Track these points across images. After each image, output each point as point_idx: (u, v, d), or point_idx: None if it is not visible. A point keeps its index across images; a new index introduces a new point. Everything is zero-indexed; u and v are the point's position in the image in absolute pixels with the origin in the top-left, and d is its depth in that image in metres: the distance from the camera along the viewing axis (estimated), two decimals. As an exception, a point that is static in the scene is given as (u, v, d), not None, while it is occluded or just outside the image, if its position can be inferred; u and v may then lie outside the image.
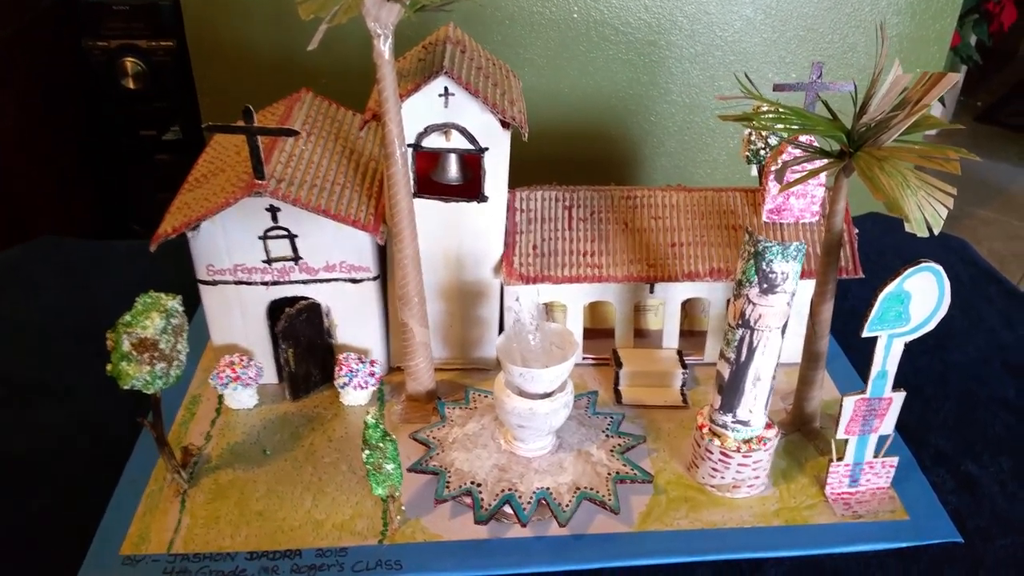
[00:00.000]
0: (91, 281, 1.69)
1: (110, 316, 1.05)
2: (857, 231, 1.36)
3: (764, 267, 1.04)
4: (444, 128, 1.22)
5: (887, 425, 1.16)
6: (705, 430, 1.18)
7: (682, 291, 1.37)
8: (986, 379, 1.45)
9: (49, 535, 1.14)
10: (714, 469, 1.18)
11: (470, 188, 1.29)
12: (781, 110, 1.11)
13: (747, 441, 1.16)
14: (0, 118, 2.39)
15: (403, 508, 1.15)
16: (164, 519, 1.15)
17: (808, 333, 1.23)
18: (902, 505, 1.18)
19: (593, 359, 1.45)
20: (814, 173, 1.09)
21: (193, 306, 1.36)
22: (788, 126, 1.11)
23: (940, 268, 1.05)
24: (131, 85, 2.59)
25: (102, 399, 1.29)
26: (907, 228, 0.98)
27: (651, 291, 1.37)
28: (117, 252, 1.79)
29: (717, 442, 1.16)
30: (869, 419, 1.14)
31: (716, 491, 1.20)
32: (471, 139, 1.23)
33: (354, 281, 1.30)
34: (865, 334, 1.08)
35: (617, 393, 1.37)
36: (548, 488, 1.14)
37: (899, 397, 1.14)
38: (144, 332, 1.03)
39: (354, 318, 1.34)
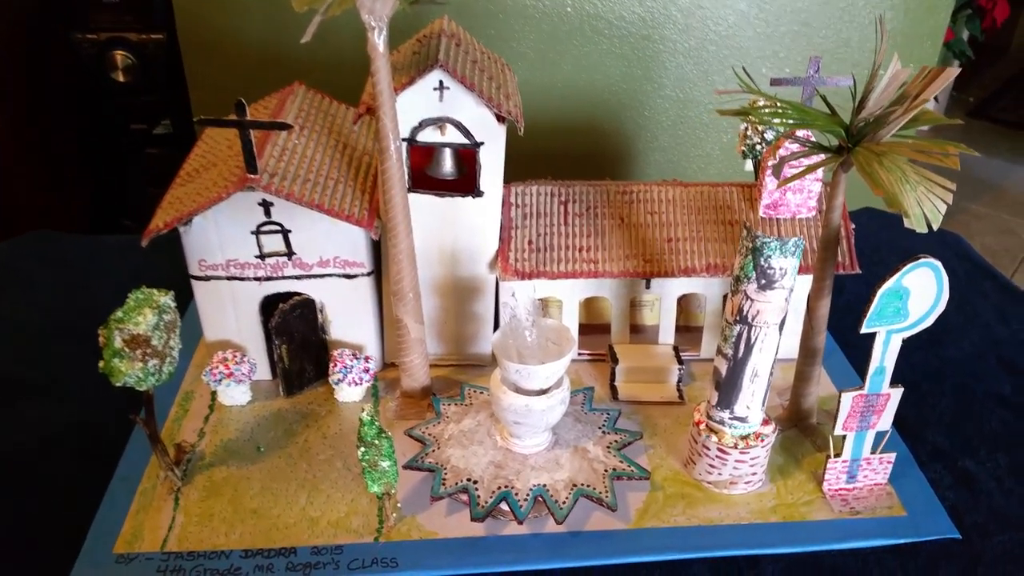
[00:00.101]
0: (82, 277, 1.67)
1: (102, 312, 1.04)
2: (854, 226, 1.35)
3: (762, 263, 1.03)
4: (439, 122, 1.21)
5: (885, 421, 1.15)
6: (702, 426, 1.18)
7: (678, 286, 1.37)
8: (982, 375, 1.45)
9: (41, 534, 1.13)
10: (711, 466, 1.18)
11: (465, 183, 1.28)
12: (779, 105, 1.10)
13: (744, 437, 1.16)
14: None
15: (399, 505, 1.14)
16: (158, 517, 1.14)
17: (805, 329, 1.23)
18: (899, 501, 1.18)
19: (589, 355, 1.44)
20: (812, 168, 1.08)
21: (186, 301, 1.35)
22: (786, 121, 1.11)
23: (939, 264, 1.05)
24: (121, 78, 2.57)
25: (94, 396, 1.27)
26: (906, 224, 0.98)
27: (647, 286, 1.37)
28: (108, 247, 1.77)
29: (714, 438, 1.16)
30: (867, 415, 1.14)
31: (713, 487, 1.19)
32: (466, 133, 1.22)
33: (348, 276, 1.29)
34: (864, 330, 1.07)
35: (613, 389, 1.37)
36: (545, 485, 1.13)
37: (897, 393, 1.13)
38: (136, 328, 1.02)
39: (348, 314, 1.33)
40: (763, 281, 1.04)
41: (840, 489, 1.19)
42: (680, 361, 1.38)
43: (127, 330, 1.02)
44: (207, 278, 1.27)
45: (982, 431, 1.32)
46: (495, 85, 1.22)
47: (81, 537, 1.10)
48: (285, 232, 1.24)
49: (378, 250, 1.30)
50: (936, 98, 1.03)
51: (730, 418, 1.15)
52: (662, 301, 1.39)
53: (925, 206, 0.98)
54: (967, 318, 1.59)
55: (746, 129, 1.41)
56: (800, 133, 1.22)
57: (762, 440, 1.16)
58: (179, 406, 1.32)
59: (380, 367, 1.40)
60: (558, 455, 1.18)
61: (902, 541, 1.13)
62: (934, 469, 1.25)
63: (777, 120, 1.11)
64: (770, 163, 1.30)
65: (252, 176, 1.15)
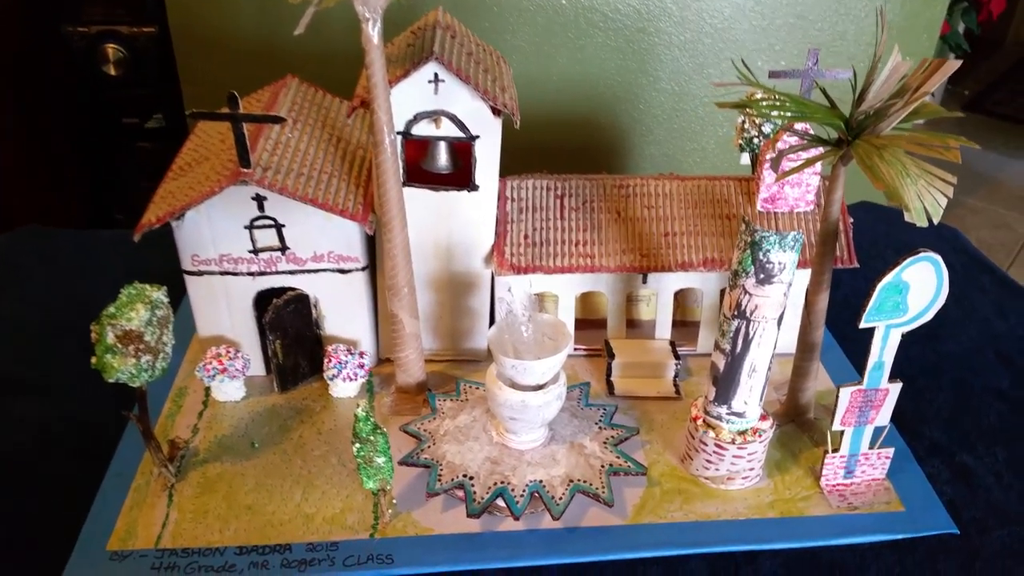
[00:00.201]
0: (75, 271, 1.66)
1: (94, 307, 1.03)
2: (852, 220, 1.35)
3: (761, 257, 1.03)
4: (434, 115, 1.20)
5: (883, 416, 1.15)
6: (699, 422, 1.17)
7: (675, 281, 1.36)
8: (979, 369, 1.44)
9: (35, 531, 1.12)
10: (708, 461, 1.17)
11: (460, 177, 1.27)
12: (778, 97, 1.09)
13: (742, 433, 1.15)
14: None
15: (394, 501, 1.14)
16: (151, 514, 1.13)
17: (803, 323, 1.22)
18: (897, 496, 1.17)
19: (585, 350, 1.44)
20: (812, 161, 1.07)
21: (179, 296, 1.34)
22: (785, 113, 1.10)
23: (939, 258, 1.04)
24: (112, 72, 2.55)
25: (86, 392, 1.26)
26: (907, 218, 0.97)
27: (644, 281, 1.36)
28: (101, 242, 1.76)
29: (712, 434, 1.15)
30: (865, 410, 1.13)
31: (710, 483, 1.19)
32: (461, 126, 1.21)
33: (342, 271, 1.28)
34: (863, 325, 1.06)
35: (609, 384, 1.36)
36: (541, 481, 1.12)
37: (895, 388, 1.13)
38: (129, 324, 1.01)
39: (343, 309, 1.32)
40: (761, 275, 1.04)
41: (838, 484, 1.19)
42: (677, 356, 1.37)
43: (119, 326, 1.01)
44: (200, 273, 1.26)
45: (980, 426, 1.32)
46: (491, 78, 1.21)
47: (74, 534, 1.09)
48: (279, 227, 1.23)
49: (373, 245, 1.29)
50: (932, 92, 1.02)
51: (727, 413, 1.14)
52: (659, 296, 1.38)
53: (926, 200, 0.97)
54: (965, 312, 1.58)
55: (743, 122, 1.40)
56: (799, 126, 1.21)
57: (760, 435, 1.15)
58: (172, 402, 1.31)
59: (375, 362, 1.39)
60: (554, 451, 1.17)
61: (900, 536, 1.12)
62: (932, 464, 1.24)
63: (776, 113, 1.10)
64: (768, 156, 1.29)
65: (245, 170, 1.14)
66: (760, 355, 1.09)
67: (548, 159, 1.58)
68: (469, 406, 1.25)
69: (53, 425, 1.28)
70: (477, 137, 1.22)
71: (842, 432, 1.15)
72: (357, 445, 1.04)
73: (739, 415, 1.14)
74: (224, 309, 1.30)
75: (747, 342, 1.08)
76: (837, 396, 1.12)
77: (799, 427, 1.29)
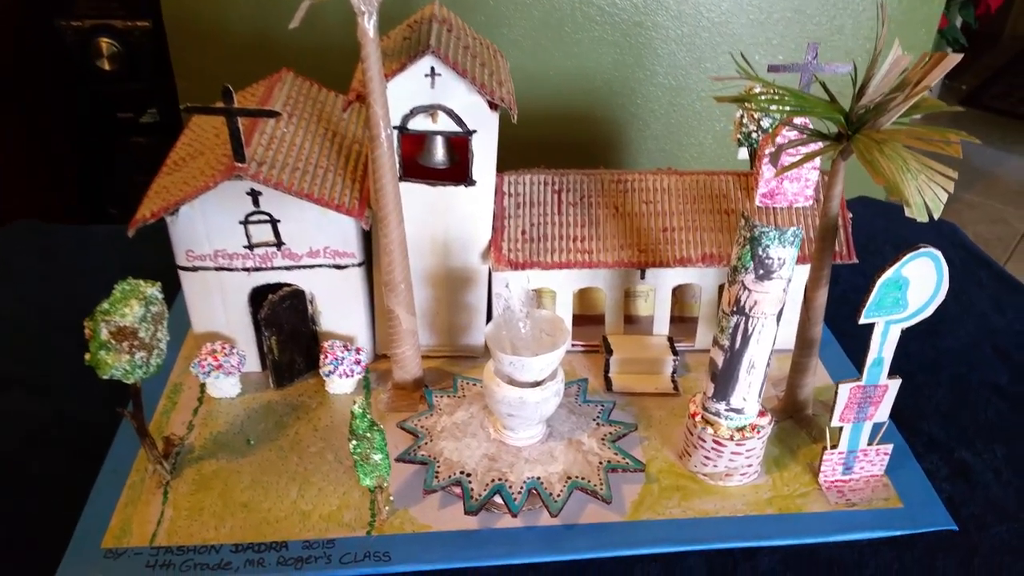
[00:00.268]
0: (68, 267, 1.65)
1: (88, 302, 1.02)
2: (851, 215, 1.34)
3: (760, 253, 1.02)
4: (431, 110, 1.19)
5: (882, 413, 1.14)
6: (698, 418, 1.16)
7: (673, 277, 1.35)
8: (978, 365, 1.44)
9: (28, 529, 1.11)
10: (707, 457, 1.16)
11: (457, 172, 1.26)
12: (777, 91, 1.09)
13: (740, 429, 1.14)
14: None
15: (391, 499, 1.13)
16: (146, 511, 1.12)
17: (802, 319, 1.22)
18: (896, 493, 1.17)
19: (582, 346, 1.43)
20: (811, 156, 1.07)
21: (173, 292, 1.33)
22: (785, 108, 1.09)
23: (939, 254, 1.03)
24: (106, 66, 2.53)
25: (80, 388, 1.25)
26: (907, 213, 0.96)
27: (642, 277, 1.35)
28: (95, 237, 1.75)
29: (710, 430, 1.14)
30: (864, 407, 1.13)
31: (709, 479, 1.18)
32: (458, 121, 1.20)
33: (339, 267, 1.27)
34: (862, 320, 1.06)
35: (607, 380, 1.35)
36: (539, 478, 1.11)
37: (894, 384, 1.12)
38: (123, 320, 1.00)
39: (339, 305, 1.32)
40: (761, 271, 1.03)
41: (836, 481, 1.18)
42: (675, 352, 1.36)
43: (113, 322, 1.00)
44: (195, 269, 1.25)
45: (978, 422, 1.31)
46: (488, 72, 1.20)
47: (68, 532, 1.08)
48: (274, 222, 1.22)
49: (369, 240, 1.28)
50: (931, 86, 1.02)
51: (726, 410, 1.13)
52: (657, 291, 1.38)
53: (926, 195, 0.96)
54: (963, 308, 1.58)
55: (742, 117, 1.39)
56: (797, 121, 1.20)
57: (758, 432, 1.14)
58: (167, 399, 1.30)
59: (371, 359, 1.39)
60: (552, 447, 1.16)
61: (899, 533, 1.12)
62: (930, 460, 1.24)
63: (775, 107, 1.10)
64: (767, 151, 1.28)
65: (240, 165, 1.13)
66: (759, 351, 1.09)
67: (544, 154, 1.57)
68: (466, 402, 1.24)
69: (45, 421, 1.27)
70: (474, 132, 1.21)
71: (841, 428, 1.15)
72: (354, 442, 1.04)
73: (738, 411, 1.13)
74: (219, 305, 1.29)
75: (746, 338, 1.08)
76: (836, 392, 1.11)
77: (797, 423, 1.28)
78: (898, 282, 1.04)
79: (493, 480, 1.11)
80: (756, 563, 1.08)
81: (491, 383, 1.12)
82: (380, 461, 1.06)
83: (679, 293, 1.43)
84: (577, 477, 1.12)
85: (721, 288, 1.36)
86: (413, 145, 1.27)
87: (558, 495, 1.09)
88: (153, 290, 1.05)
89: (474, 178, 1.25)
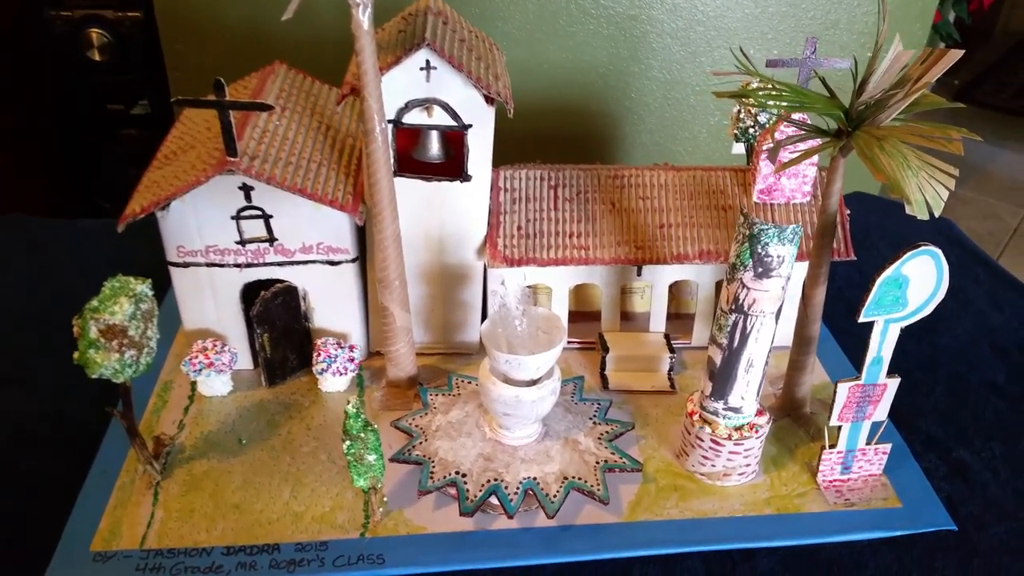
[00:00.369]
0: (58, 261, 1.63)
1: (77, 298, 1.00)
2: (849, 212, 1.33)
3: (759, 250, 1.01)
4: (426, 104, 1.18)
5: (881, 412, 1.13)
6: (695, 417, 1.15)
7: (670, 273, 1.34)
8: (975, 363, 1.43)
9: (15, 531, 1.09)
10: (704, 457, 1.15)
11: (453, 166, 1.25)
12: (777, 87, 1.07)
13: (738, 428, 1.13)
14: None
15: (385, 500, 1.11)
16: (136, 513, 1.10)
17: (800, 317, 1.20)
18: (895, 492, 1.16)
19: (578, 343, 1.41)
20: (811, 153, 1.05)
21: (164, 288, 1.31)
22: (785, 103, 1.07)
23: (939, 252, 1.02)
24: (97, 57, 2.51)
25: (68, 386, 1.24)
26: (908, 210, 0.95)
27: (638, 273, 1.34)
28: (84, 231, 1.73)
29: (708, 429, 1.13)
30: (863, 406, 1.12)
31: (706, 479, 1.17)
32: (454, 115, 1.19)
33: (332, 263, 1.26)
34: (862, 319, 1.05)
35: (603, 378, 1.34)
36: (535, 478, 1.10)
37: (893, 383, 1.11)
38: (112, 318, 0.98)
39: (332, 302, 1.30)
40: (760, 269, 1.02)
41: (835, 480, 1.17)
42: (672, 349, 1.35)
43: (103, 320, 0.98)
44: (186, 265, 1.23)
45: (976, 420, 1.31)
46: (484, 65, 1.19)
47: (56, 534, 1.07)
48: (266, 217, 1.20)
49: (363, 236, 1.27)
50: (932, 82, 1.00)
51: (724, 409, 1.12)
52: (653, 288, 1.36)
53: (927, 192, 0.95)
54: (960, 305, 1.57)
55: (739, 112, 1.38)
56: (796, 116, 1.19)
57: (756, 431, 1.13)
58: (158, 397, 1.29)
59: (365, 356, 1.37)
60: (548, 447, 1.15)
61: (898, 533, 1.11)
62: (928, 459, 1.23)
63: (776, 102, 1.08)
64: (765, 147, 1.27)
65: (232, 159, 1.11)
66: (758, 350, 1.07)
67: (538, 148, 1.55)
68: (461, 401, 1.22)
69: (32, 420, 1.26)
70: (470, 126, 1.19)
71: (839, 427, 1.13)
72: (347, 443, 1.02)
73: (736, 410, 1.12)
74: (210, 302, 1.27)
75: (744, 337, 1.06)
76: (835, 391, 1.10)
77: (795, 422, 1.27)
78: (898, 280, 1.03)
79: (489, 480, 1.09)
80: (755, 564, 1.07)
81: (487, 381, 1.11)
82: (374, 462, 1.04)
83: (675, 289, 1.42)
84: (574, 477, 1.11)
85: (718, 285, 1.35)
86: (408, 139, 1.25)
87: (555, 496, 1.08)
88: (143, 287, 1.03)
89: (469, 173, 1.23)
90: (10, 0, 2.51)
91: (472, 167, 1.23)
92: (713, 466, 1.15)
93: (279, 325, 1.27)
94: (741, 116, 1.37)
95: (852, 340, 1.42)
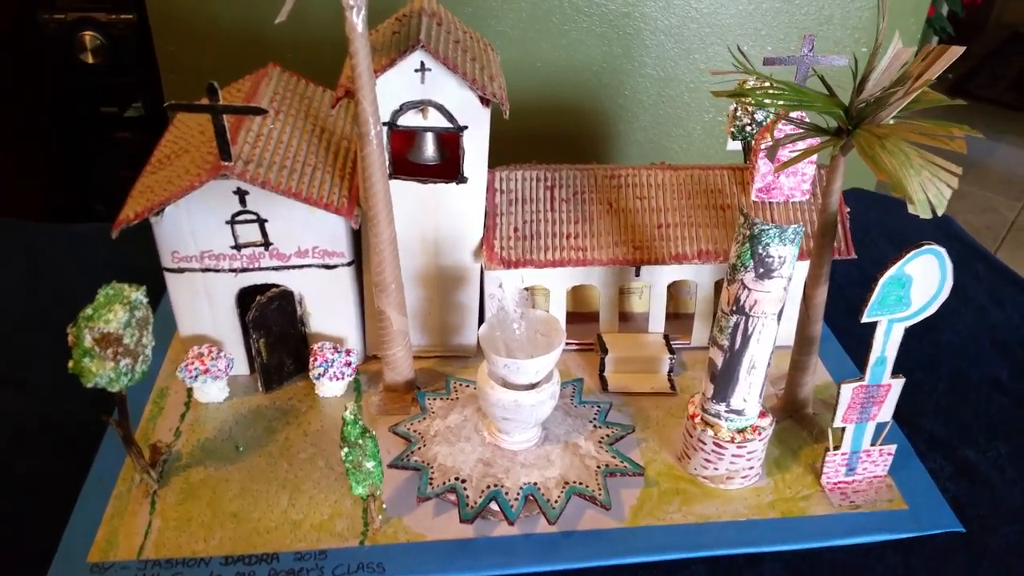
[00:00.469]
0: (51, 266, 1.61)
1: (72, 303, 0.99)
2: (848, 210, 1.32)
3: (760, 251, 0.99)
4: (421, 105, 1.16)
5: (885, 412, 1.12)
6: (697, 420, 1.14)
7: (669, 274, 1.33)
8: (977, 360, 1.42)
9: (10, 542, 1.08)
10: (707, 460, 1.14)
11: (448, 168, 1.23)
12: (775, 85, 1.06)
13: (741, 431, 1.12)
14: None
15: (384, 507, 1.10)
16: (133, 522, 1.09)
17: (801, 317, 1.19)
18: (900, 494, 1.15)
19: (576, 344, 1.40)
20: (812, 152, 1.04)
21: (159, 293, 1.30)
22: (784, 102, 1.06)
23: (943, 251, 1.01)
24: (90, 60, 2.50)
25: (63, 393, 1.22)
26: (910, 209, 0.93)
27: (636, 274, 1.33)
28: (78, 236, 1.71)
29: (710, 432, 1.12)
30: (867, 407, 1.11)
31: (709, 482, 1.16)
32: (449, 117, 1.17)
33: (328, 267, 1.24)
34: (865, 319, 1.03)
35: (603, 380, 1.33)
36: (535, 483, 1.09)
37: (898, 384, 1.10)
38: (107, 327, 0.97)
39: (328, 306, 1.29)
40: (761, 270, 1.01)
41: (839, 482, 1.16)
42: (671, 350, 1.34)
43: (97, 328, 0.97)
44: (181, 270, 1.22)
45: (980, 419, 1.30)
46: (479, 66, 1.18)
47: (54, 541, 1.05)
48: (261, 221, 1.19)
49: (358, 239, 1.25)
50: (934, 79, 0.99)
51: (726, 411, 1.11)
52: (652, 288, 1.35)
53: (930, 191, 0.94)
54: (960, 301, 1.56)
55: (735, 110, 1.37)
56: (794, 114, 1.18)
57: (759, 433, 1.12)
58: (154, 404, 1.27)
59: (362, 360, 1.36)
60: (548, 451, 1.14)
61: (904, 536, 1.10)
62: (933, 459, 1.22)
63: (773, 101, 1.07)
64: (763, 146, 1.26)
65: (226, 163, 1.10)
66: (760, 351, 1.06)
67: (532, 147, 1.54)
68: (460, 405, 1.21)
69: (27, 427, 1.24)
70: (465, 128, 1.18)
71: (843, 429, 1.12)
72: (345, 450, 1.01)
73: (738, 413, 1.11)
74: (206, 307, 1.26)
75: (746, 338, 1.05)
76: (839, 392, 1.09)
77: (797, 422, 1.26)
78: (901, 280, 1.02)
79: (489, 486, 1.08)
80: (760, 570, 1.06)
81: (485, 386, 1.10)
82: (373, 469, 1.03)
83: (673, 289, 1.41)
84: (575, 482, 1.09)
85: (717, 284, 1.34)
86: (403, 142, 1.24)
87: (555, 501, 1.07)
88: (138, 294, 1.01)
89: (465, 175, 1.22)
90: (3, 3, 2.49)
91: (468, 169, 1.21)
92: (716, 469, 1.14)
93: (275, 330, 1.26)
94: (738, 114, 1.36)
95: (852, 339, 1.41)
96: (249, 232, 1.20)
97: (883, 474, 1.17)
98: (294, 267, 1.24)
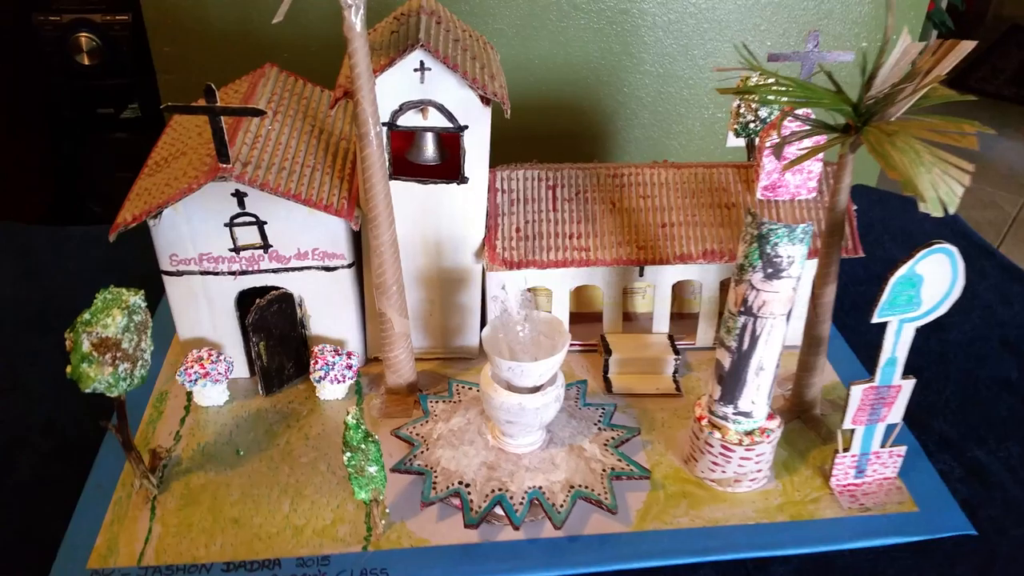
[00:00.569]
0: (48, 269, 1.60)
1: (68, 307, 0.98)
2: (855, 207, 1.30)
3: (769, 251, 0.98)
4: (420, 105, 1.15)
5: (896, 414, 1.11)
6: (704, 422, 1.12)
7: (673, 273, 1.31)
8: (986, 359, 1.40)
9: (9, 549, 1.06)
10: (714, 463, 1.12)
11: (449, 169, 1.22)
12: (782, 82, 1.04)
13: (749, 433, 1.10)
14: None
15: (387, 511, 1.09)
16: (133, 528, 1.07)
17: (809, 317, 1.18)
18: (910, 496, 1.13)
19: (580, 345, 1.39)
20: (820, 149, 1.02)
21: (157, 296, 1.28)
22: (791, 99, 1.04)
23: (954, 249, 1.00)
24: (86, 61, 2.48)
25: (62, 397, 1.21)
26: (921, 208, 0.92)
27: (640, 274, 1.31)
28: (75, 238, 1.70)
29: (718, 435, 1.10)
30: (877, 408, 1.09)
31: (716, 486, 1.14)
32: (449, 117, 1.16)
33: (328, 269, 1.23)
34: (875, 320, 1.02)
35: (607, 382, 1.31)
36: (540, 487, 1.07)
37: (908, 385, 1.08)
38: (105, 331, 0.95)
39: (329, 308, 1.27)
40: (769, 270, 0.99)
41: (848, 484, 1.15)
42: (676, 351, 1.32)
43: (95, 333, 0.95)
44: (179, 273, 1.20)
45: (990, 419, 1.28)
46: (479, 65, 1.16)
47: (52, 551, 1.04)
48: (260, 224, 1.17)
49: (359, 241, 1.24)
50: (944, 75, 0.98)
51: (734, 413, 1.09)
52: (656, 288, 1.33)
53: (940, 189, 0.92)
54: (968, 299, 1.53)
55: (739, 106, 1.35)
56: (800, 111, 1.16)
57: (768, 436, 1.10)
58: (153, 407, 1.26)
59: (363, 363, 1.34)
60: (553, 454, 1.12)
61: (916, 539, 1.08)
62: (943, 460, 1.20)
63: (783, 98, 1.05)
64: (768, 143, 1.24)
65: (224, 165, 1.08)
66: (768, 353, 1.05)
67: (531, 145, 1.53)
68: (462, 408, 1.20)
69: (25, 432, 1.23)
70: (466, 127, 1.16)
71: (853, 430, 1.11)
72: (348, 454, 0.99)
73: (746, 415, 1.09)
74: (205, 310, 1.24)
75: (754, 339, 1.04)
76: (848, 393, 1.07)
77: (805, 424, 1.24)
78: (912, 280, 1.00)
79: (493, 490, 1.07)
80: (769, 574, 1.04)
81: (488, 389, 1.08)
82: (375, 473, 1.01)
83: (677, 289, 1.39)
84: (580, 486, 1.08)
85: (722, 284, 1.32)
86: (403, 142, 1.22)
87: (561, 505, 1.05)
88: (136, 299, 1.00)
89: (466, 175, 1.20)
90: (2, 5, 2.48)
91: (469, 169, 1.20)
92: (723, 472, 1.13)
93: (275, 333, 1.25)
94: (741, 111, 1.35)
95: (858, 337, 1.39)
96: (248, 234, 1.18)
97: (893, 476, 1.16)
98: (294, 269, 1.22)
